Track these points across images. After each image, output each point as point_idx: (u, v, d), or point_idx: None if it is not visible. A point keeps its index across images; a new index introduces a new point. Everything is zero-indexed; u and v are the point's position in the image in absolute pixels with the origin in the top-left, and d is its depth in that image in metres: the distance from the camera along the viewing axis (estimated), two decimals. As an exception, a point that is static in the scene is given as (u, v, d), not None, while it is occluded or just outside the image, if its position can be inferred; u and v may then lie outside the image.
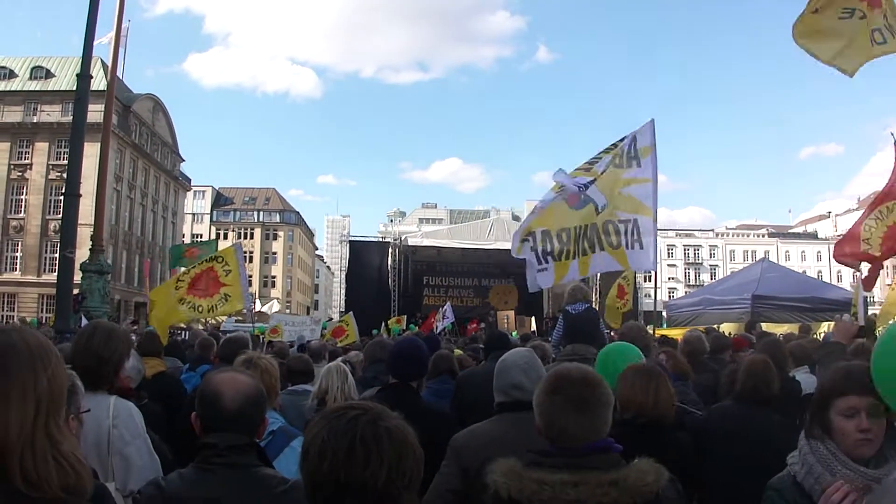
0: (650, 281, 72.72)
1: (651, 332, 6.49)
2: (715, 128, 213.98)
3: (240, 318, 25.35)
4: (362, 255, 30.47)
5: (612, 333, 12.57)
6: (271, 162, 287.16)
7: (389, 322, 24.95)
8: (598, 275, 30.60)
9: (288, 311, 74.18)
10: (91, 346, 2.86)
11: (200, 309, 7.18)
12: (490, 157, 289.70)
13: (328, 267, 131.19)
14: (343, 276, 31.74)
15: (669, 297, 77.71)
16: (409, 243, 29.97)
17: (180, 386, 5.43)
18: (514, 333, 17.88)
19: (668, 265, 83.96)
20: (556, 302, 34.03)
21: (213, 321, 25.74)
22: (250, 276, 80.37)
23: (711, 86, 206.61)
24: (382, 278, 30.53)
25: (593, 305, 6.92)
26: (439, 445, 2.68)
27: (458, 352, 7.19)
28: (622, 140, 6.02)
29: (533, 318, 28.59)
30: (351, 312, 15.38)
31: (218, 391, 2.21)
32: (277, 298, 66.16)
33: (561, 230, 5.97)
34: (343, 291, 31.39)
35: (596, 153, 6.07)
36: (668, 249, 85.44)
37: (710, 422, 3.62)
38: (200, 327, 20.24)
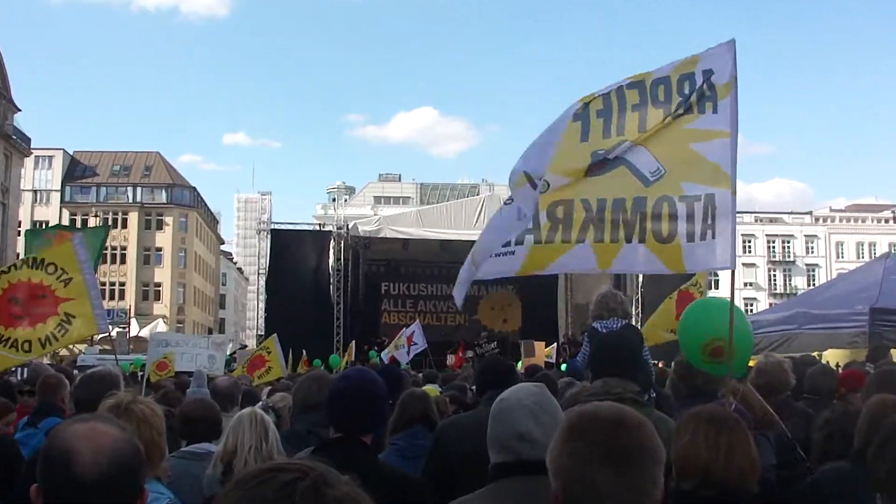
0: (717, 288, 73.84)
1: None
2: (816, 66, 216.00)
3: (105, 346, 25.16)
4: (291, 250, 30.49)
5: (659, 364, 12.64)
6: (153, 115, 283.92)
7: (340, 359, 25.03)
8: (640, 277, 31.22)
9: (180, 333, 73.82)
10: None
11: (28, 347, 7.09)
12: (480, 105, 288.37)
13: (240, 269, 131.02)
14: (263, 283, 31.66)
15: (746, 310, 78.43)
16: (361, 232, 30.02)
17: (14, 448, 5.41)
18: (517, 363, 17.97)
19: (744, 264, 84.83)
20: (578, 316, 34.32)
21: (67, 351, 25.51)
22: (121, 284, 79.94)
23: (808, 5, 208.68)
24: (321, 285, 30.59)
25: (632, 322, 7.00)
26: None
27: (431, 390, 7.21)
28: (680, 70, 5.99)
29: (543, 345, 28.81)
30: (274, 336, 15.42)
31: (70, 451, 2.19)
32: (164, 317, 65.88)
33: (586, 197, 5.95)
34: (262, 305, 31.28)
35: (620, 81, 6.06)
36: (745, 242, 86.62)
37: (819, 492, 3.64)
38: (46, 361, 19.99)
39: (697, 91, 5.80)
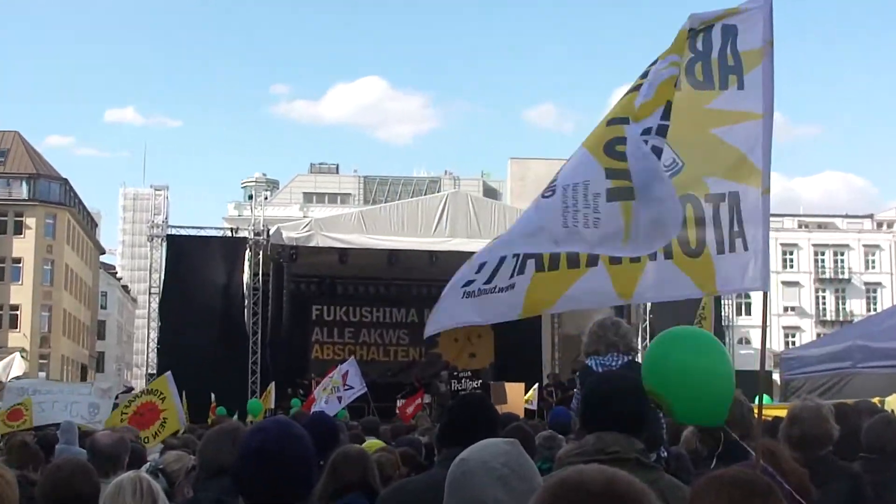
0: (749, 313, 73.94)
1: (750, 410, 6.60)
2: (881, 22, 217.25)
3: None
4: (193, 262, 30.39)
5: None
6: (9, 84, 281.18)
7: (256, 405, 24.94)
8: (648, 304, 31.19)
9: (43, 373, 73.02)
10: None
11: None
12: (442, 75, 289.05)
13: (125, 288, 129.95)
14: (155, 306, 31.40)
15: (786, 343, 78.95)
16: (286, 240, 29.87)
17: None
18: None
19: (784, 283, 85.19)
20: (568, 351, 34.28)
21: None
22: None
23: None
24: (232, 308, 30.42)
25: (637, 359, 6.99)
26: None
27: (373, 444, 7.19)
28: (694, 30, 6.00)
29: (522, 387, 28.88)
30: (169, 374, 15.26)
31: None
32: (22, 350, 64.96)
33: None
34: (155, 335, 31.02)
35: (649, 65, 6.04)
36: (785, 254, 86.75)
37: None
38: None
39: (719, 56, 5.82)
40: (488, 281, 5.93)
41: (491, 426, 5.02)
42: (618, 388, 5.00)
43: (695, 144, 5.77)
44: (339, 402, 21.57)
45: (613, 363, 6.59)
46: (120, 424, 13.72)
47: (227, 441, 5.60)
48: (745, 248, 5.49)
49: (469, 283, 5.99)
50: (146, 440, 12.78)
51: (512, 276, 5.87)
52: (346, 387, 21.96)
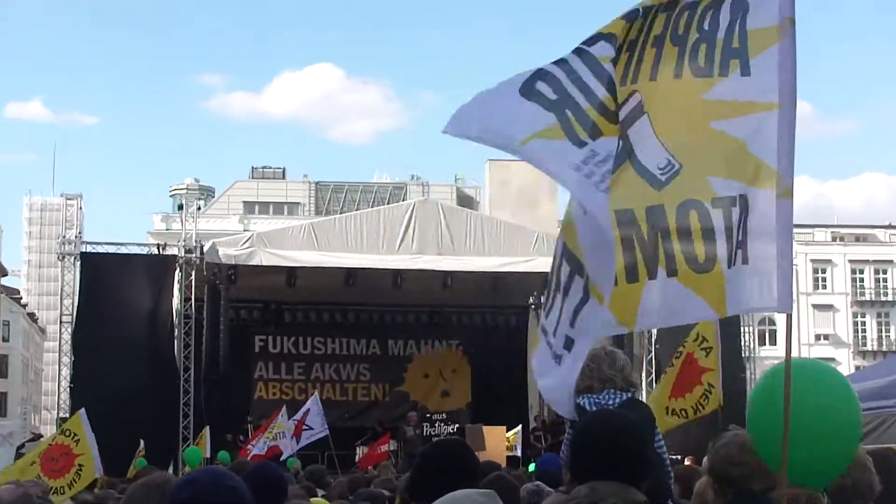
0: (773, 343, 73.56)
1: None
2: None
3: None
4: (113, 285, 30.33)
5: (686, 462, 12.67)
6: None
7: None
8: (653, 334, 31.20)
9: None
10: None
11: None
12: (407, 63, 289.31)
13: (32, 316, 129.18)
14: (68, 337, 31.26)
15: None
16: (223, 257, 29.83)
17: None
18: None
19: (815, 306, 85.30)
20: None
21: None
22: None
23: None
24: (160, 339, 30.28)
25: (639, 395, 7.00)
26: None
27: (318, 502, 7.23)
28: (696, 3, 6.03)
29: (502, 431, 28.97)
30: (83, 412, 15.22)
31: None
32: None
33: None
34: (69, 371, 30.86)
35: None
36: (816, 271, 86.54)
37: None
38: None
39: (725, 35, 5.83)
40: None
41: (468, 476, 5.02)
42: (612, 429, 4.98)
43: (693, 142, 5.79)
44: (296, 442, 21.66)
45: (610, 401, 6.58)
46: (29, 473, 13.65)
47: (155, 496, 5.59)
48: (745, 262, 5.54)
49: None
50: (61, 491, 12.78)
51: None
52: (306, 427, 22.11)
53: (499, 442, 27.43)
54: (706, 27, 5.78)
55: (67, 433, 15.13)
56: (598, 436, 4.90)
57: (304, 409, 22.65)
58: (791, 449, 4.91)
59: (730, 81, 5.74)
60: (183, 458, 23.83)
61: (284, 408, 23.99)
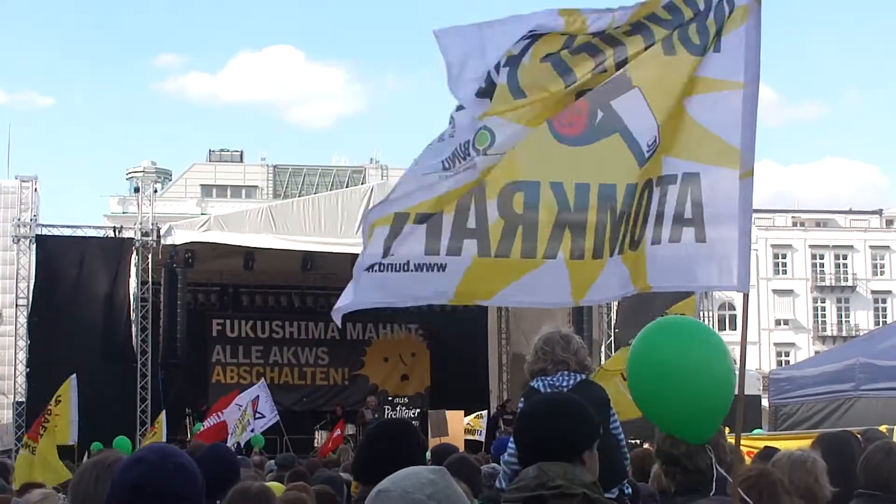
0: (733, 327, 73.30)
1: (725, 439, 6.60)
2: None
3: None
4: (68, 268, 30.28)
5: (645, 445, 12.75)
6: None
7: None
8: (614, 309, 31.34)
9: None
10: None
11: None
12: (369, 44, 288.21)
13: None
14: (24, 321, 31.05)
15: (779, 363, 78.93)
16: (180, 241, 29.67)
17: None
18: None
19: (776, 291, 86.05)
20: (518, 372, 34.06)
21: None
22: None
23: None
24: (116, 323, 30.16)
25: (592, 377, 7.00)
26: None
27: (276, 487, 7.18)
28: None
29: (461, 415, 28.97)
30: (73, 377, 15.18)
31: None
32: None
33: (559, 180, 5.88)
34: (24, 355, 30.65)
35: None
36: (777, 256, 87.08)
37: None
38: None
39: (715, 14, 5.78)
40: (388, 254, 5.94)
41: (415, 455, 5.00)
42: (558, 409, 4.93)
43: (669, 119, 5.81)
44: (250, 431, 21.61)
45: (563, 383, 6.57)
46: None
47: (105, 476, 5.53)
48: (702, 241, 5.54)
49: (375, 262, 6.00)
50: (30, 446, 14.15)
51: (438, 253, 5.81)
52: (258, 415, 21.98)
53: (457, 425, 27.45)
54: (701, 7, 5.79)
55: (58, 399, 16.88)
56: (541, 417, 4.87)
57: (252, 393, 22.40)
58: (668, 402, 4.98)
59: (706, 59, 5.76)
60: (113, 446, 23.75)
61: (242, 392, 23.80)
